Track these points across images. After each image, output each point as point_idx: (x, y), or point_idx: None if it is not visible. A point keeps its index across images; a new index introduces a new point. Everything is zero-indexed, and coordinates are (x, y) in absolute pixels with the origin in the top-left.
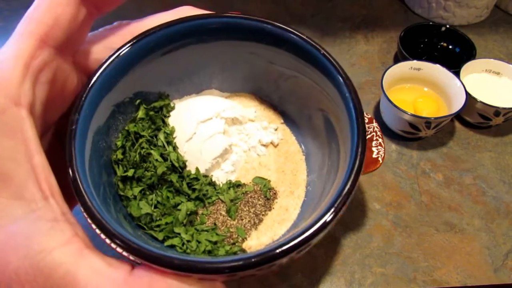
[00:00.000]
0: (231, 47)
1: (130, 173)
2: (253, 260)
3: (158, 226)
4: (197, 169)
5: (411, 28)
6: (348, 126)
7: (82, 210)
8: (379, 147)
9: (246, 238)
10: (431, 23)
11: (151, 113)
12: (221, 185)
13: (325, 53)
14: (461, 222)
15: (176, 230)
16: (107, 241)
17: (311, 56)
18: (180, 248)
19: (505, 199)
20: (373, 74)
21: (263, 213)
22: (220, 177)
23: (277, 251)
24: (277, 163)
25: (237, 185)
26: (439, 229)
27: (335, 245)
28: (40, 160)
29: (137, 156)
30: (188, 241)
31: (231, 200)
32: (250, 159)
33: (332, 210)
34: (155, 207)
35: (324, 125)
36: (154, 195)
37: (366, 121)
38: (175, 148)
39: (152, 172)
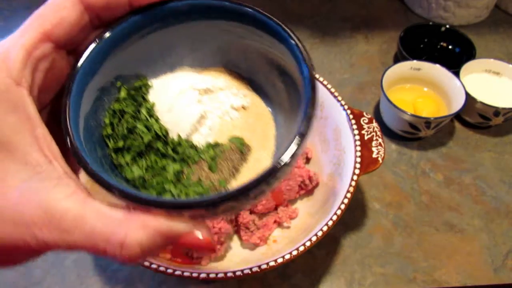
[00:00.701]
0: (198, 26)
1: (120, 144)
2: (233, 192)
3: (151, 185)
4: (178, 135)
5: (411, 28)
6: (297, 71)
7: (83, 173)
8: (379, 147)
9: (227, 188)
10: (431, 23)
11: (132, 92)
12: (201, 147)
13: (277, 20)
14: (461, 222)
15: (167, 187)
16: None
17: (266, 26)
18: None
19: (505, 199)
20: (373, 74)
21: (240, 165)
22: (200, 140)
23: (252, 181)
24: (248, 124)
25: (215, 145)
26: (439, 229)
27: (335, 245)
28: (42, 131)
29: (125, 130)
30: (178, 194)
31: (212, 158)
32: (224, 122)
33: (298, 138)
34: (146, 170)
35: (284, 87)
36: (143, 160)
37: (366, 121)
38: (157, 120)
39: (140, 142)
